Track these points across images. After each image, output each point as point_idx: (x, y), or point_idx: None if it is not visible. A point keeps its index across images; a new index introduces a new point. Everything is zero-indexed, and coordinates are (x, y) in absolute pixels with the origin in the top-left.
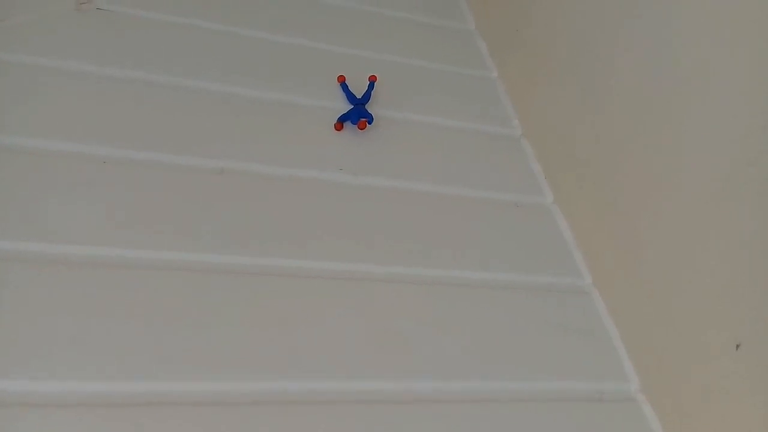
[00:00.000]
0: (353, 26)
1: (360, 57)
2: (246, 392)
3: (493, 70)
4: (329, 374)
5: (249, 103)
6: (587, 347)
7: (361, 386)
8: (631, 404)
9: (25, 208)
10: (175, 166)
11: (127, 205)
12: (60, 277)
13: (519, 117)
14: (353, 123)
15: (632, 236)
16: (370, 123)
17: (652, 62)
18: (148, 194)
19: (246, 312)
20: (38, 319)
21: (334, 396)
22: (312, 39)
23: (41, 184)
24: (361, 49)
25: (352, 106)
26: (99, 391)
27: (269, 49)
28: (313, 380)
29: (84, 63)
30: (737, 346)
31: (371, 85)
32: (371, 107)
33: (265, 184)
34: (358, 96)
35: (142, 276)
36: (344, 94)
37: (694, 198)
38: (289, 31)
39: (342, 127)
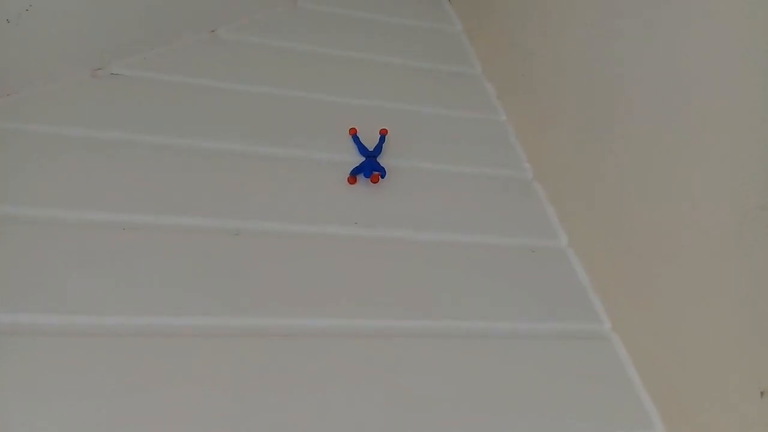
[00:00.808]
0: (361, 77)
1: (369, 107)
2: None
3: (501, 113)
4: None
5: (262, 160)
6: (610, 395)
7: None
8: None
9: (47, 280)
10: (193, 228)
11: (148, 271)
12: (80, 348)
13: (530, 160)
14: (366, 176)
15: (650, 279)
16: (383, 177)
17: (662, 102)
18: (167, 260)
19: (268, 374)
20: (61, 392)
21: None
22: (321, 92)
23: (63, 254)
24: (369, 99)
25: (364, 159)
26: None
27: (279, 105)
28: None
29: (100, 129)
30: (762, 394)
31: (382, 138)
32: (383, 158)
33: (282, 242)
34: (370, 148)
35: (165, 344)
36: (356, 147)
37: (710, 239)
38: (299, 86)
39: (355, 180)
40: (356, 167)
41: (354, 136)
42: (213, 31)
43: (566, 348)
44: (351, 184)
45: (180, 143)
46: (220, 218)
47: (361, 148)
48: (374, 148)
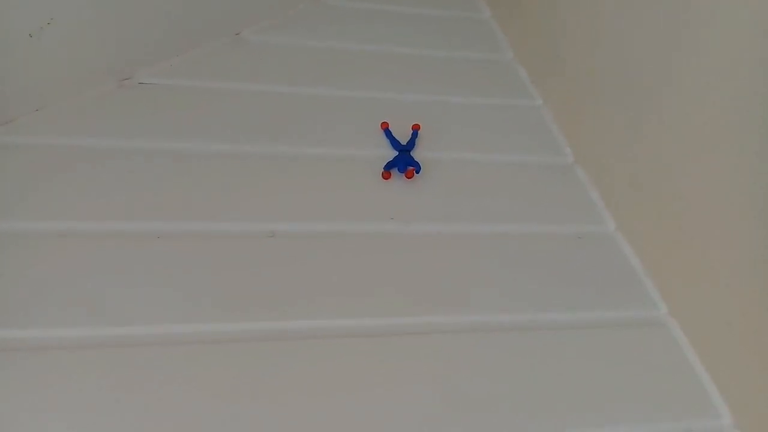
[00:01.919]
0: (390, 70)
1: (400, 101)
2: None
3: (536, 98)
4: None
5: (294, 160)
6: (670, 383)
7: None
8: None
9: (84, 293)
10: (228, 233)
11: (184, 279)
12: (123, 361)
13: (570, 144)
14: (400, 171)
15: (705, 258)
16: (417, 172)
17: (705, 74)
18: (204, 266)
19: (308, 377)
20: (101, 404)
21: None
22: (350, 88)
23: (97, 266)
24: (400, 93)
25: (397, 153)
26: None
27: (309, 104)
28: None
29: (130, 139)
30: None
31: (415, 134)
32: (416, 153)
33: (318, 242)
34: (403, 143)
35: (203, 351)
36: (388, 141)
37: (763, 214)
38: (327, 83)
39: (390, 175)
40: (390, 162)
41: (386, 130)
42: (237, 33)
43: (622, 337)
44: (386, 179)
45: (211, 148)
46: (255, 221)
47: (394, 143)
48: (407, 143)
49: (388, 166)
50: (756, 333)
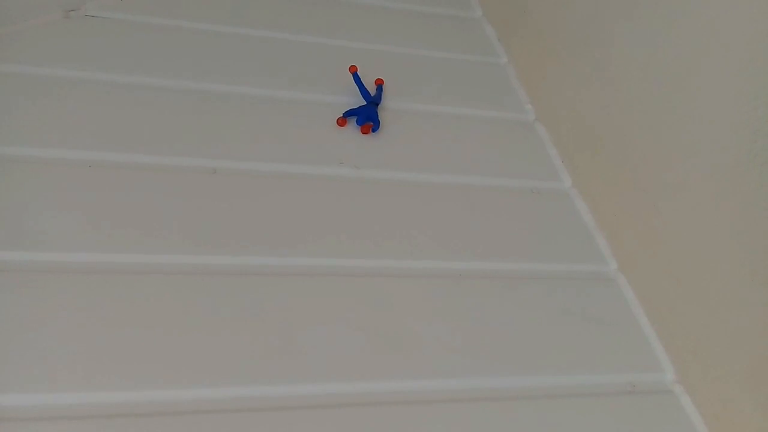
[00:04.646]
0: (356, 20)
1: (366, 50)
2: (245, 397)
3: (502, 56)
4: (335, 376)
5: (244, 101)
6: (616, 337)
7: (370, 388)
8: (666, 396)
9: (11, 217)
10: (166, 167)
11: (115, 209)
12: (50, 285)
13: (532, 101)
14: (358, 124)
15: (656, 217)
16: (374, 131)
17: (664, 31)
18: (137, 197)
19: (243, 314)
20: (25, 329)
21: (342, 399)
22: (314, 35)
23: (27, 192)
24: (365, 43)
25: (365, 103)
26: (88, 402)
27: (268, 48)
28: (318, 382)
29: (72, 69)
30: None
31: (380, 88)
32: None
33: (261, 182)
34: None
35: (134, 281)
36: (357, 87)
37: (719, 169)
38: (290, 29)
39: (345, 123)
40: (351, 109)
41: (354, 74)
42: None
43: (569, 290)
44: (340, 126)
45: (155, 83)
46: (197, 157)
47: (364, 91)
48: (374, 96)
49: (348, 114)
50: (701, 291)
